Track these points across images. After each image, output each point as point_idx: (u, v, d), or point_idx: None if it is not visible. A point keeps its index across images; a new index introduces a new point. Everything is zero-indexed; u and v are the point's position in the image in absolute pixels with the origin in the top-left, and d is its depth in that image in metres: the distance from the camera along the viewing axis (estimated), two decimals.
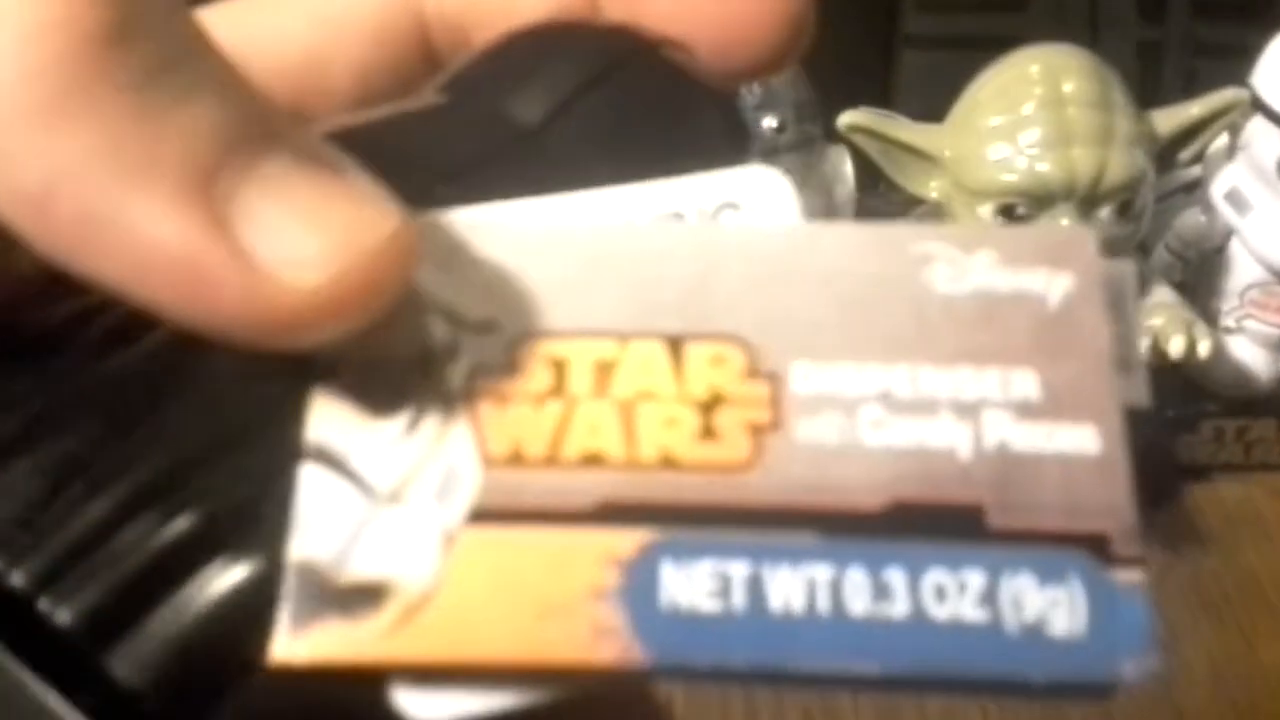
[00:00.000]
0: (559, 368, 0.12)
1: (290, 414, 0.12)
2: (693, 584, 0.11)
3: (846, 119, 0.41)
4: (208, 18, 0.16)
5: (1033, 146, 0.38)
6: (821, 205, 0.44)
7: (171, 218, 0.11)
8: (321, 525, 0.11)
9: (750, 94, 0.42)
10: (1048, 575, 0.11)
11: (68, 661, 0.11)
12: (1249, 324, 0.44)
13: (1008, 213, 0.39)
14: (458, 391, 0.12)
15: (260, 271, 0.11)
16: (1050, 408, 0.11)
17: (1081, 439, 0.11)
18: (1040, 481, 0.11)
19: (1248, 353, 0.44)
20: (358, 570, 0.11)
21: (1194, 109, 0.41)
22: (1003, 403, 0.11)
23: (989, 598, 0.11)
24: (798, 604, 0.11)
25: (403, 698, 0.11)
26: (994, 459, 0.11)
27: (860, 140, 0.42)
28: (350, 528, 0.11)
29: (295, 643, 0.11)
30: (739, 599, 0.11)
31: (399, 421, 0.12)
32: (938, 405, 0.11)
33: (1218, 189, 0.43)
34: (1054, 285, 0.12)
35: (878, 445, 0.11)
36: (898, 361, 0.12)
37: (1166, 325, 0.40)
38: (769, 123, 0.42)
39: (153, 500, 0.11)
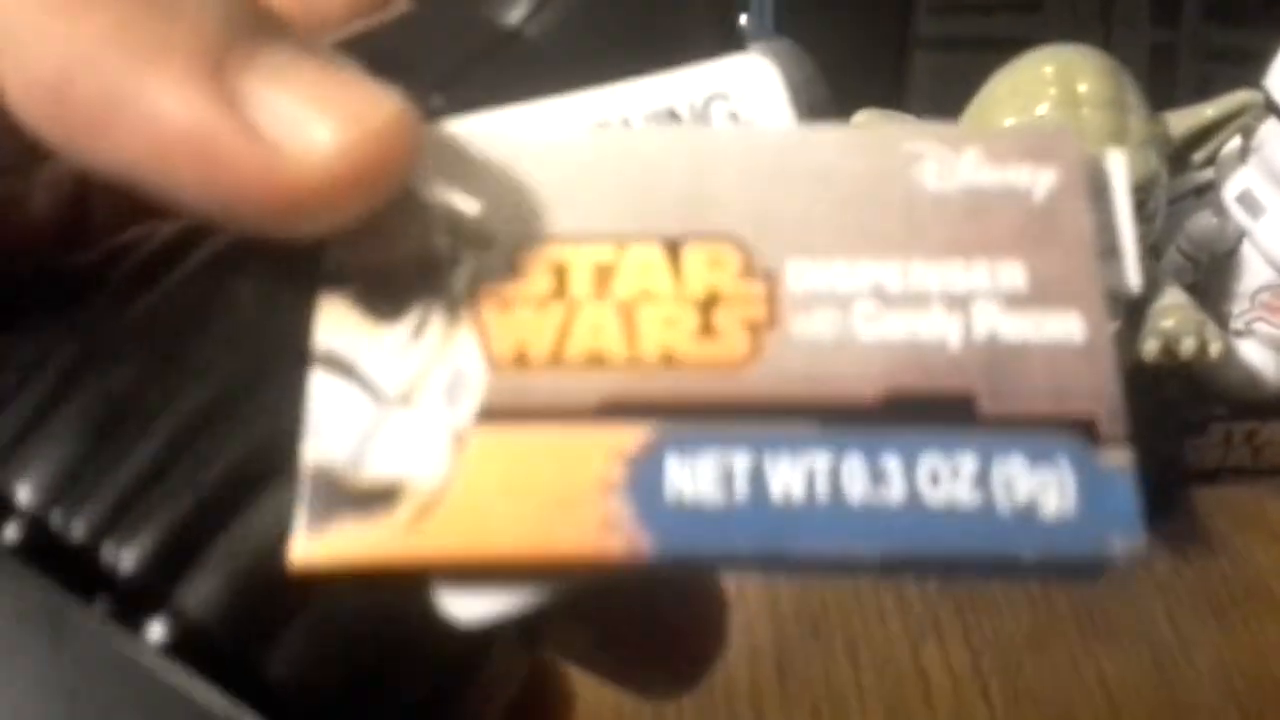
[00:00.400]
0: (559, 272, 0.12)
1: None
2: (696, 476, 0.11)
3: (860, 119, 0.41)
4: None
5: None
6: None
7: (185, 96, 0.11)
8: (333, 429, 0.11)
9: None
10: (1038, 458, 0.11)
11: (135, 604, 0.11)
12: (1260, 327, 0.44)
13: None
14: (461, 296, 0.12)
15: (272, 147, 0.11)
16: (1037, 297, 0.12)
17: (1067, 326, 0.12)
18: (1029, 368, 0.12)
19: (1258, 356, 0.44)
20: (371, 471, 0.11)
21: (1208, 111, 0.41)
22: (991, 293, 0.12)
23: (982, 481, 0.11)
24: (798, 492, 0.11)
25: (441, 598, 0.11)
26: (984, 348, 0.12)
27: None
28: (362, 431, 0.11)
29: (313, 544, 0.11)
30: (741, 489, 0.11)
31: (405, 326, 0.12)
32: (929, 298, 0.12)
33: (1230, 192, 0.43)
34: (1039, 180, 0.12)
35: (871, 338, 0.12)
36: (889, 257, 0.12)
37: (1178, 326, 0.40)
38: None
39: (197, 435, 0.12)
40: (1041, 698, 0.39)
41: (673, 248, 0.12)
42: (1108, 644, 0.40)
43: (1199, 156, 0.42)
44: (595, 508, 0.11)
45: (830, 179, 0.12)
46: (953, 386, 0.12)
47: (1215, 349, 0.40)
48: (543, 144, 0.12)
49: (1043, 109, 0.39)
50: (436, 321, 0.12)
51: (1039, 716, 0.38)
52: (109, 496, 0.11)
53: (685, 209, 0.12)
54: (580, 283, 0.12)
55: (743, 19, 0.44)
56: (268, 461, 0.12)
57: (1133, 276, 0.13)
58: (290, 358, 0.12)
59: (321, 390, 0.12)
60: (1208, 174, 0.45)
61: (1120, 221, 0.13)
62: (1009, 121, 0.39)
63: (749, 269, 0.12)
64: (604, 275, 0.12)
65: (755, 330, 0.12)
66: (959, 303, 0.12)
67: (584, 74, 0.13)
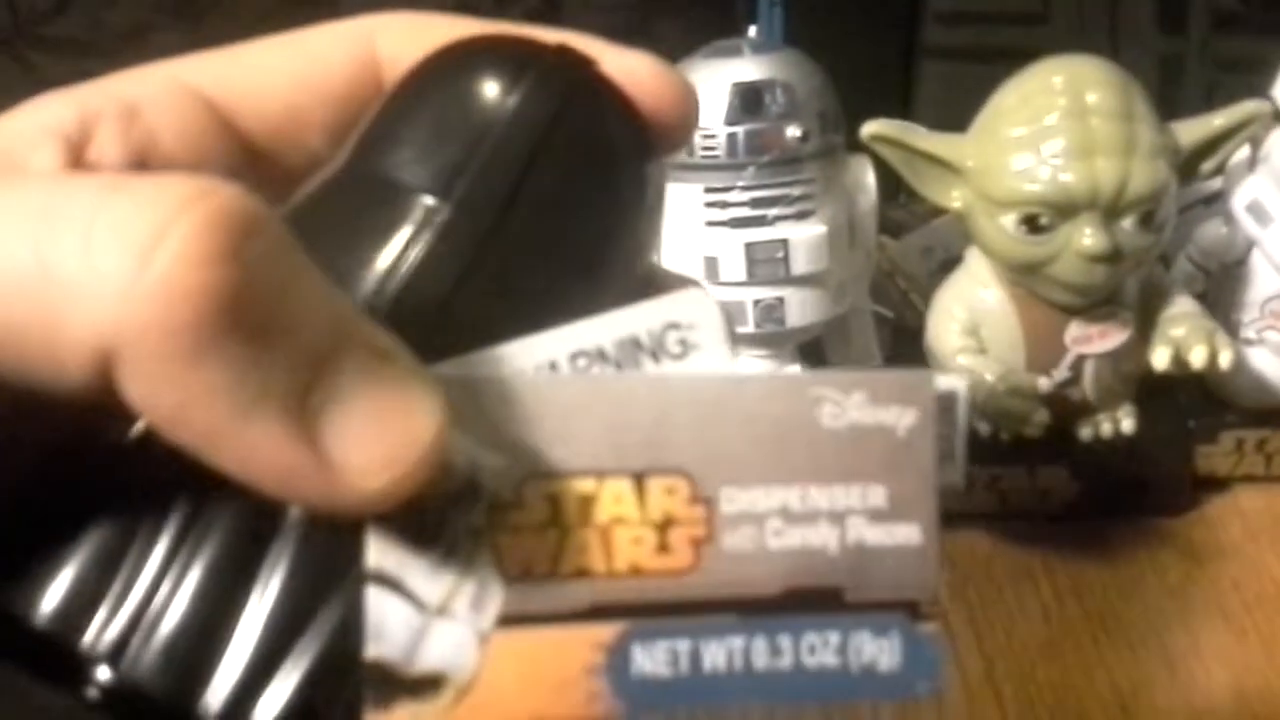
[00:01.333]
0: (554, 502, 0.16)
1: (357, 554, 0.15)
2: (653, 658, 0.16)
3: (870, 128, 0.41)
4: (196, 67, 0.18)
5: (1056, 157, 0.39)
6: (845, 216, 0.44)
7: (276, 441, 0.14)
8: (388, 634, 0.15)
9: (775, 103, 0.42)
10: (879, 631, 0.16)
11: None
12: (1270, 335, 0.44)
13: (1030, 222, 0.39)
14: (481, 524, 0.15)
15: (339, 478, 0.14)
16: (892, 512, 0.16)
17: (909, 534, 0.16)
18: (881, 567, 0.16)
19: (1268, 364, 0.44)
20: (420, 667, 0.15)
21: (1216, 120, 0.41)
22: (861, 510, 0.16)
23: (842, 650, 0.16)
24: (721, 665, 0.16)
25: None
26: (853, 553, 0.16)
27: (883, 150, 0.42)
28: (410, 634, 0.15)
29: None
30: (684, 665, 0.16)
31: (439, 550, 0.15)
32: (818, 515, 0.16)
33: (1239, 201, 0.44)
34: (903, 419, 0.17)
35: (777, 548, 0.16)
36: (794, 483, 0.16)
37: (1188, 336, 0.41)
38: (793, 132, 0.42)
39: (279, 648, 0.15)
40: (1055, 705, 0.39)
41: (639, 480, 0.16)
42: (1121, 651, 0.40)
43: (1208, 166, 0.42)
44: (584, 686, 0.16)
45: (755, 421, 0.16)
46: (829, 583, 0.16)
47: (1225, 358, 0.40)
48: (536, 390, 0.16)
49: (1051, 119, 0.39)
50: (463, 545, 0.15)
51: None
52: (183, 655, 0.15)
53: (648, 448, 0.16)
54: (570, 512, 0.16)
55: (752, 30, 0.44)
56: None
57: (959, 477, 0.16)
58: (344, 568, 0.15)
59: (377, 602, 0.15)
60: (1216, 184, 0.45)
61: (958, 434, 0.18)
62: (1017, 132, 0.40)
63: (695, 496, 0.16)
64: (587, 504, 0.16)
65: (697, 545, 0.16)
66: (838, 518, 0.16)
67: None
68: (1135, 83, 0.40)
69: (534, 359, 0.16)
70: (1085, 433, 0.44)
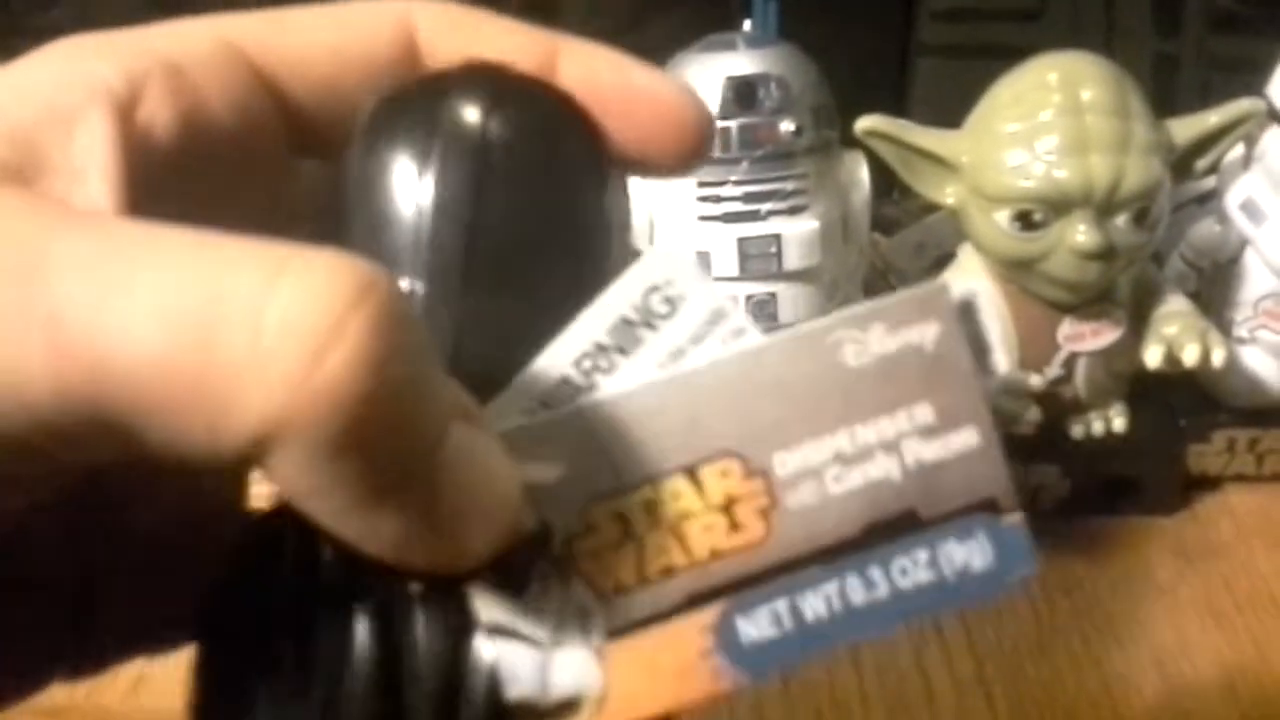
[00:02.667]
0: (621, 519, 0.17)
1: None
2: (757, 624, 0.17)
3: (864, 124, 0.41)
4: (238, 26, 0.18)
5: (1050, 153, 0.38)
6: (838, 212, 0.44)
7: (399, 518, 0.14)
8: (520, 675, 0.16)
9: (769, 97, 0.42)
10: (964, 535, 0.17)
11: None
12: (1262, 334, 0.44)
13: (1024, 219, 0.39)
14: (561, 555, 0.17)
15: (452, 546, 0.15)
16: (943, 424, 0.17)
17: (967, 439, 0.17)
18: (949, 477, 0.17)
19: (1261, 363, 0.44)
20: (555, 694, 0.16)
21: (1211, 118, 0.41)
22: (912, 431, 0.17)
23: (933, 563, 0.17)
24: (823, 611, 0.17)
25: None
26: (916, 474, 0.17)
27: (877, 145, 0.42)
28: (537, 670, 0.16)
29: None
30: (787, 622, 0.17)
31: (534, 590, 0.16)
32: (872, 450, 0.17)
33: (1233, 199, 0.44)
34: (927, 335, 0.17)
35: (841, 493, 0.17)
36: (839, 429, 0.17)
37: (1181, 334, 0.41)
38: (787, 126, 0.42)
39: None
40: (1045, 703, 0.39)
41: (691, 473, 0.17)
42: (1111, 649, 0.40)
43: (1202, 164, 0.42)
44: (702, 668, 0.17)
45: (783, 384, 0.17)
46: (901, 508, 0.17)
47: (1218, 356, 0.40)
48: (571, 419, 0.17)
49: (1046, 115, 0.39)
50: (553, 579, 0.17)
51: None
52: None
53: (690, 442, 0.17)
54: (638, 522, 0.17)
55: (746, 24, 0.44)
56: None
57: (1001, 362, 0.16)
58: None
59: (501, 652, 0.16)
60: (1210, 183, 0.45)
61: (987, 329, 0.17)
62: (1012, 128, 0.40)
63: (748, 471, 0.17)
64: (652, 510, 0.17)
65: (764, 515, 0.17)
66: (892, 447, 0.17)
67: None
68: (1130, 79, 0.40)
69: (546, 383, 0.17)
70: (1077, 431, 0.44)
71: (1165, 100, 0.45)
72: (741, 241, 0.42)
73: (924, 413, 0.17)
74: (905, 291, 0.17)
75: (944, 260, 0.45)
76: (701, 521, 0.17)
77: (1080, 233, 0.39)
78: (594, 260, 0.18)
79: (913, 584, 0.17)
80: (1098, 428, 0.44)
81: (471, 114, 0.17)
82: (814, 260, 0.43)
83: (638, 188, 0.45)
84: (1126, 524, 0.44)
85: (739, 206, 0.42)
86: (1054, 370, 0.42)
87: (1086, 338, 0.42)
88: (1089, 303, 0.41)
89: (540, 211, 0.18)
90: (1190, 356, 0.40)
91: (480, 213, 0.17)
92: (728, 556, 0.17)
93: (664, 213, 0.43)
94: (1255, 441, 0.45)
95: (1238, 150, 0.43)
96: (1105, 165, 0.38)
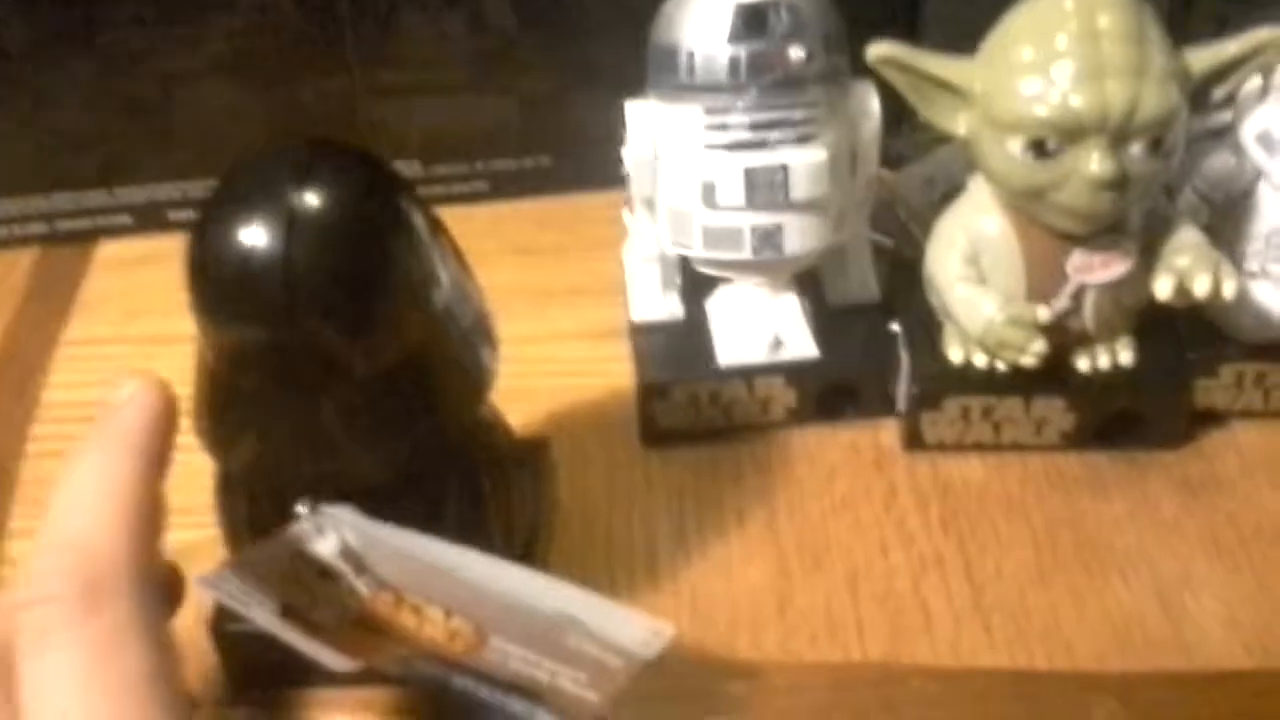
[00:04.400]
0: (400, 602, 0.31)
1: None
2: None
3: (876, 50, 0.41)
4: None
5: (1066, 80, 0.38)
6: (847, 143, 0.43)
7: None
8: None
9: (779, 23, 0.41)
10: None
11: None
12: (1273, 268, 0.43)
13: (1038, 147, 0.39)
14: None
15: None
16: (588, 685, 0.30)
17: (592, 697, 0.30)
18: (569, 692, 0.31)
19: (1271, 298, 0.44)
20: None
21: (1230, 47, 0.40)
22: (568, 679, 0.31)
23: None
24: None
25: None
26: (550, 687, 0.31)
27: (889, 73, 0.41)
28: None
29: None
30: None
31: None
32: (540, 664, 0.31)
33: (1249, 130, 0.43)
34: (621, 663, 0.30)
35: (511, 664, 0.32)
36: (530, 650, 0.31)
37: (1193, 265, 0.40)
38: (796, 52, 0.41)
39: None
40: (1043, 633, 0.39)
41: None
42: (1112, 581, 0.40)
43: (1219, 94, 0.41)
44: None
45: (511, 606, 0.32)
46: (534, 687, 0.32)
47: (1229, 288, 0.40)
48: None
49: (1061, 41, 0.38)
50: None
51: (1041, 651, 0.38)
52: None
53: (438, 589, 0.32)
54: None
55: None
56: None
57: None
58: None
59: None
60: (1225, 117, 0.45)
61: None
62: (1026, 55, 0.39)
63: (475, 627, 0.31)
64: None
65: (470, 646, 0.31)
66: (551, 673, 0.31)
67: None
68: (1148, 6, 0.39)
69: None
70: (1083, 364, 0.43)
71: (1180, 32, 0.44)
72: (748, 171, 0.42)
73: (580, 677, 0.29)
74: (637, 626, 0.28)
75: (952, 195, 0.44)
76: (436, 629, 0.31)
77: (1094, 161, 0.38)
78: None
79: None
80: (1104, 361, 0.43)
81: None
82: (821, 191, 0.42)
83: (642, 115, 0.45)
84: (1131, 458, 0.44)
85: (746, 135, 0.42)
86: (1062, 302, 0.42)
87: (1096, 269, 0.41)
88: (1099, 234, 0.41)
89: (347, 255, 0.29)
90: (1201, 288, 0.40)
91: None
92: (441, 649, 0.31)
93: (669, 142, 0.43)
94: (1263, 376, 0.45)
95: (1255, 81, 0.43)
96: (1121, 91, 0.37)
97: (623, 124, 0.44)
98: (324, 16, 0.52)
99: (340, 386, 0.29)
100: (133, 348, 0.52)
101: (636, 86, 0.44)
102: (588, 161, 0.56)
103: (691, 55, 0.41)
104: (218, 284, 0.28)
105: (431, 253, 0.31)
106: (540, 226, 0.57)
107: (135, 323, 0.53)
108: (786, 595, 0.40)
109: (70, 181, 0.56)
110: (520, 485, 0.38)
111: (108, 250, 0.58)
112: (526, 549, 0.37)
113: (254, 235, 0.28)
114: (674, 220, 0.44)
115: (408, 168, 0.56)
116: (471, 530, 0.33)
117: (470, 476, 0.35)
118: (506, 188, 0.57)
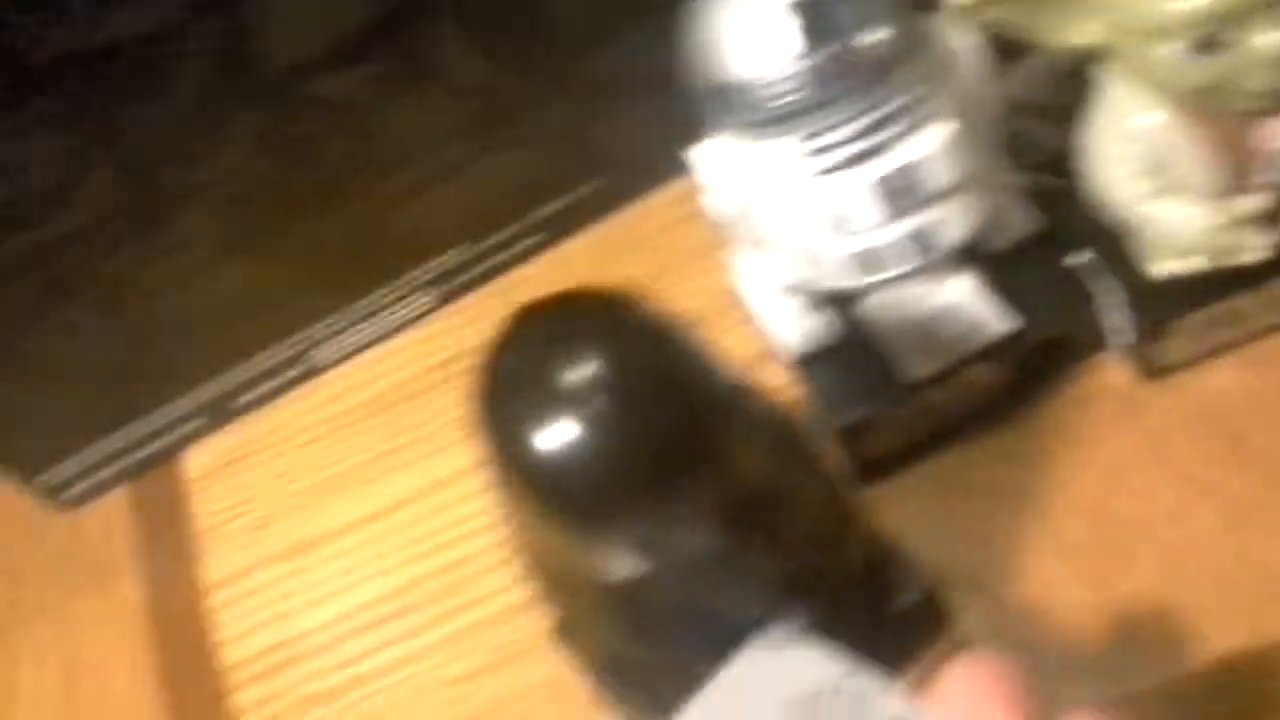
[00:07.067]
0: None
1: None
2: None
3: None
4: None
5: None
6: (958, 105, 0.37)
7: None
8: None
9: (841, 11, 0.34)
10: None
11: None
12: None
13: (1205, 44, 0.32)
14: None
15: None
16: None
17: None
18: None
19: None
20: None
21: None
22: None
23: None
24: None
25: None
26: None
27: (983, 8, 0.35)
28: None
29: None
30: None
31: None
32: None
33: None
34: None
35: None
36: None
37: None
38: (874, 37, 0.34)
39: None
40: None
41: None
42: None
43: None
44: None
45: None
46: None
47: None
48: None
49: None
50: None
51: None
52: None
53: None
54: None
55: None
56: None
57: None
58: None
59: None
60: None
61: None
62: None
63: None
64: None
65: None
66: None
67: None
68: None
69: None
70: None
71: None
72: (878, 184, 0.36)
73: None
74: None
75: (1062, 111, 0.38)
76: None
77: (1274, 36, 0.32)
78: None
79: None
80: None
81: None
82: (960, 168, 0.36)
83: (719, 162, 0.39)
84: None
85: (858, 146, 0.36)
86: (1262, 178, 0.36)
87: None
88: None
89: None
90: None
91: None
92: None
93: (767, 182, 0.37)
94: None
95: None
96: None
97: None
98: (303, 157, 0.45)
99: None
100: (283, 566, 0.48)
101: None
102: (638, 168, 0.50)
103: (761, 85, 0.35)
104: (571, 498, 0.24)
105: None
106: (619, 252, 0.51)
107: (266, 538, 0.50)
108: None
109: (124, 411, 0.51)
110: None
111: (194, 461, 0.53)
112: None
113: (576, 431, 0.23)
114: (806, 258, 0.38)
115: (460, 254, 0.51)
116: None
117: None
118: (559, 227, 0.52)
